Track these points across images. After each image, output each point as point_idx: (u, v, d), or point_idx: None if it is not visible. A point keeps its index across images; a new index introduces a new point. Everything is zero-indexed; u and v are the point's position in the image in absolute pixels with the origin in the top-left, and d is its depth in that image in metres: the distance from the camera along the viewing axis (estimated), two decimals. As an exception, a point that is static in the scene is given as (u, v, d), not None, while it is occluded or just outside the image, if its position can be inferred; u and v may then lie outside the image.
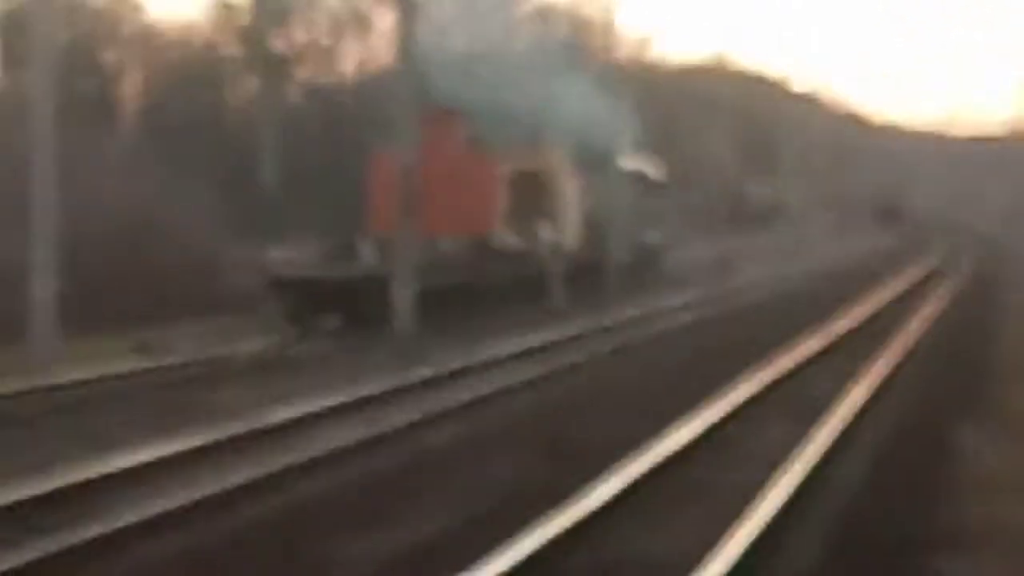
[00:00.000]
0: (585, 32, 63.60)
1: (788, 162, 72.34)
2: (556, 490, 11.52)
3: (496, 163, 32.13)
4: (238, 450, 13.90)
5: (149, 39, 55.54)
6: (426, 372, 19.61)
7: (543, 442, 14.64)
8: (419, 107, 26.59)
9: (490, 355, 21.84)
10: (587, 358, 22.08)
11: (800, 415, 15.81)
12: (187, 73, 54.78)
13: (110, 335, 25.28)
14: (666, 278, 43.24)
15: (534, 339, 24.18)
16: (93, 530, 10.32)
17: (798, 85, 77.95)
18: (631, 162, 42.65)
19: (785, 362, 20.58)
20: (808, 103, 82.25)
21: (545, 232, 33.75)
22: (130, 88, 54.81)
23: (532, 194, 33.77)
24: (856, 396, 16.95)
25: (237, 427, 14.73)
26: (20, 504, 11.27)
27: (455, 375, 19.80)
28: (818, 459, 12.75)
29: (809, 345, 22.88)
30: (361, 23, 57.89)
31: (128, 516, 10.74)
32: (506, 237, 31.93)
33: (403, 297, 24.77)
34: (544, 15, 60.91)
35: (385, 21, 55.61)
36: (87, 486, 11.97)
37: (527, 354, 22.48)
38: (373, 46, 57.98)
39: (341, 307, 26.58)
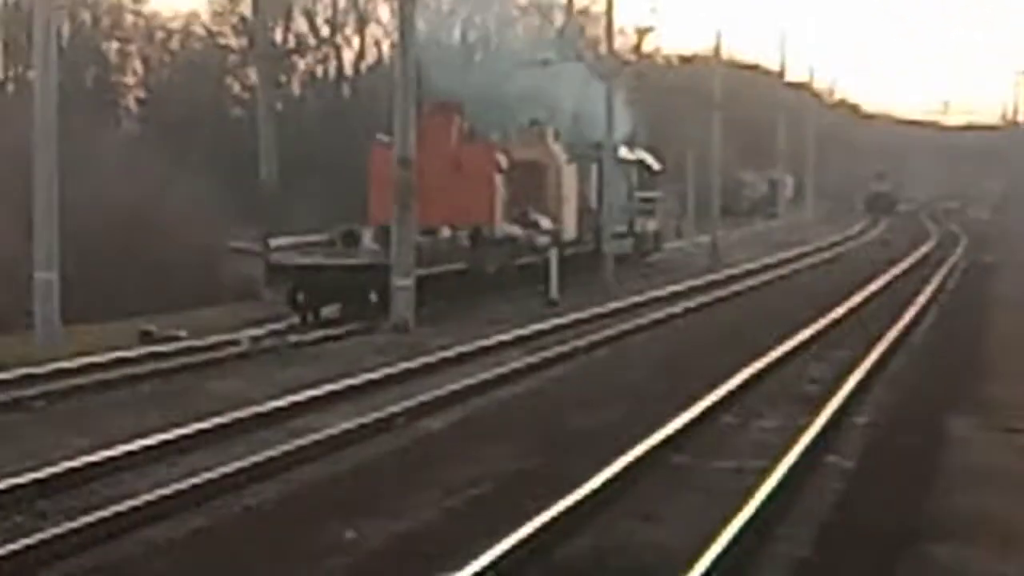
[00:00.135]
0: (582, 22, 63.77)
1: (783, 152, 72.49)
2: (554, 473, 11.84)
3: (495, 153, 32.37)
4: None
5: (151, 30, 55.72)
6: (423, 359, 19.94)
7: (539, 426, 14.99)
8: (418, 98, 26.87)
9: (486, 343, 22.14)
10: (582, 345, 22.28)
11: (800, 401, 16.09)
12: (188, 64, 55.02)
13: (113, 323, 25.57)
14: (662, 267, 43.47)
15: (530, 328, 24.41)
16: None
17: (793, 75, 77.91)
18: (628, 152, 42.90)
19: (775, 354, 20.79)
20: (803, 93, 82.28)
21: (543, 222, 34.03)
22: (131, 79, 55.03)
23: (530, 184, 34.02)
24: (849, 385, 17.26)
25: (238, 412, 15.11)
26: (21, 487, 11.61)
27: (449, 361, 20.13)
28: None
29: (799, 338, 22.96)
30: (361, 14, 58.12)
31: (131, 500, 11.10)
32: (505, 227, 32.19)
33: (401, 286, 25.04)
34: (541, 6, 61.09)
35: (385, 12, 55.92)
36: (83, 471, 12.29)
37: (520, 341, 22.80)
38: (373, 36, 58.26)
39: (342, 295, 26.92)
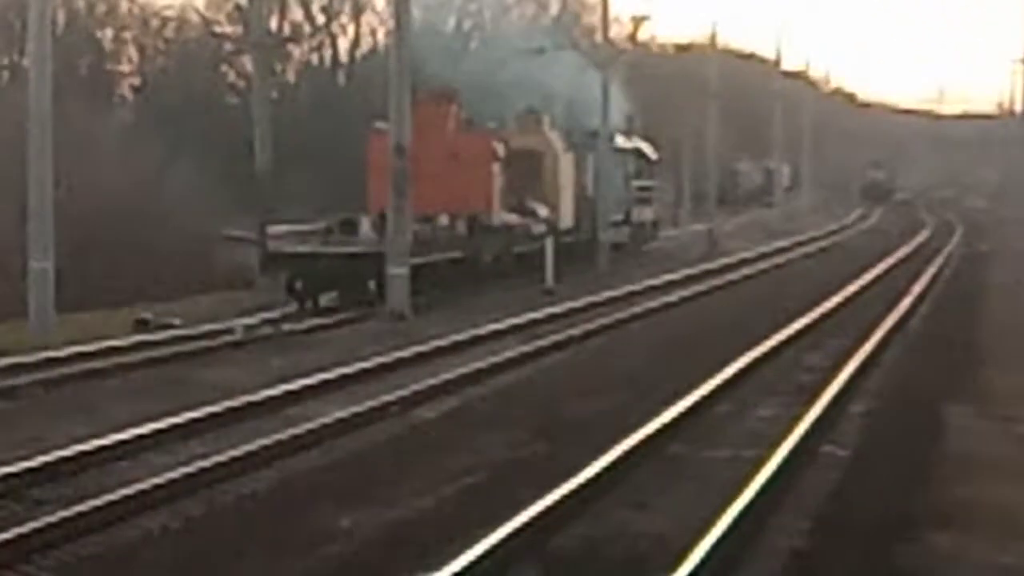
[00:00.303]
0: (577, 10, 63.69)
1: (779, 140, 72.42)
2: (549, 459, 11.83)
3: (491, 142, 32.31)
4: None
5: (146, 18, 55.60)
6: (418, 348, 19.92)
7: (534, 414, 14.98)
8: (414, 86, 26.82)
9: (482, 331, 22.11)
10: (578, 333, 22.27)
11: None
12: (183, 52, 54.91)
13: (108, 311, 25.55)
14: (658, 255, 43.46)
15: (526, 316, 24.39)
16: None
17: (789, 64, 77.73)
18: (624, 140, 42.85)
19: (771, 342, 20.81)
20: (799, 81, 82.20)
21: (540, 210, 33.99)
22: (127, 67, 54.93)
23: (528, 172, 33.98)
24: (845, 374, 17.27)
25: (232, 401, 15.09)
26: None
27: (444, 350, 20.12)
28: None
29: (795, 327, 22.96)
30: (356, 2, 58.00)
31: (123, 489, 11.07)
32: (502, 215, 32.16)
33: (397, 274, 25.01)
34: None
35: (380, 0, 55.80)
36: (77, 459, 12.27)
37: (516, 329, 22.79)
38: (369, 24, 58.16)
39: (340, 283, 26.91)
